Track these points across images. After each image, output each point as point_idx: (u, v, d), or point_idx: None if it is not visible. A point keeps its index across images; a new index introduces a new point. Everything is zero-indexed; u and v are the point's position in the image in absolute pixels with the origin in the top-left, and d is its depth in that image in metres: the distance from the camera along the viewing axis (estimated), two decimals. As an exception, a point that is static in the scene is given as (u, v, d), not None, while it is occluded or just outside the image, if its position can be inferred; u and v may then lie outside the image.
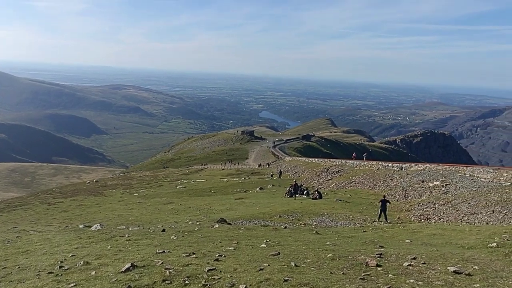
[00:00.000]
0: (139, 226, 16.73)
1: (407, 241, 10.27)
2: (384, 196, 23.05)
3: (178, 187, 55.70)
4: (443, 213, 20.88)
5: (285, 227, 13.36)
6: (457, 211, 20.32)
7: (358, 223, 19.62)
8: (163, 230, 13.14)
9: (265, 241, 10.47)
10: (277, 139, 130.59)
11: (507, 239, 9.36)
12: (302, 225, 19.49)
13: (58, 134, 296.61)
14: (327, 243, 10.01)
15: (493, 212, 18.17)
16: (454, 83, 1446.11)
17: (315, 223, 19.97)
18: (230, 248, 9.37)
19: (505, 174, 23.04)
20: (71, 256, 8.82)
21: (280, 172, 59.66)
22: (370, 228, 13.28)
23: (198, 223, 14.47)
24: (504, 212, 17.60)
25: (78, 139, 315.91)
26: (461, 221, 18.45)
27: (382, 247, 9.16)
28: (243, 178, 61.00)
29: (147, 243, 10.38)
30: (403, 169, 36.90)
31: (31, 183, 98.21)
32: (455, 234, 10.87)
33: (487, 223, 16.79)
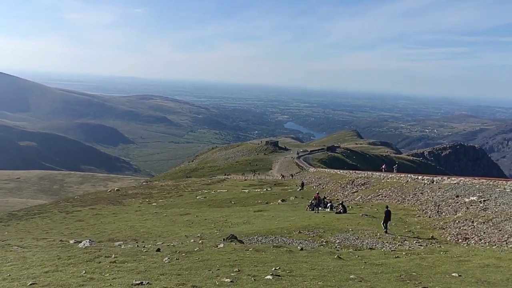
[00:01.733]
0: (137, 242, 15.15)
1: (454, 274, 8.20)
2: (387, 207, 23.18)
3: (198, 197, 54.53)
4: (484, 232, 18.54)
5: (301, 249, 11.47)
6: (500, 230, 17.96)
7: (387, 242, 17.55)
8: (158, 250, 11.51)
9: (273, 269, 8.73)
10: (301, 150, 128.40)
11: None
12: (324, 243, 17.58)
13: (87, 143, 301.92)
14: (351, 276, 8.11)
15: (544, 233, 15.86)
16: (484, 95, 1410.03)
17: (338, 241, 18.01)
18: (226, 280, 7.69)
19: (553, 190, 20.53)
20: (30, 285, 7.29)
21: (303, 184, 57.52)
22: (404, 253, 11.23)
23: (201, 241, 12.77)
24: (559, 234, 15.28)
25: (106, 148, 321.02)
26: (506, 242, 16.12)
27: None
28: (265, 189, 59.33)
29: (130, 267, 8.82)
30: (435, 182, 34.38)
31: (59, 190, 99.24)
32: None
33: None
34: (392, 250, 11.85)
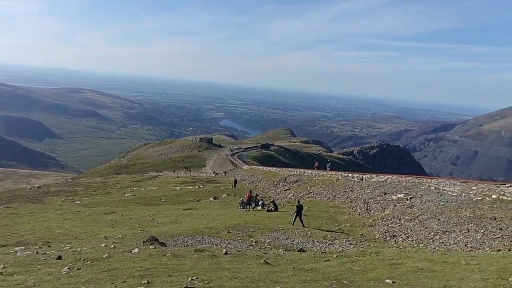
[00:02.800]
0: (40, 247, 13.40)
1: (388, 281, 7.58)
2: (299, 201, 24.62)
3: (126, 195, 52.21)
4: (411, 230, 18.70)
5: (226, 253, 10.50)
6: (426, 228, 18.18)
7: (317, 241, 17.11)
8: (59, 258, 9.98)
9: (189, 279, 7.65)
10: (235, 147, 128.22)
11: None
12: (253, 243, 16.79)
13: (8, 137, 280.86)
14: (277, 287, 7.26)
15: (468, 231, 16.09)
16: (409, 97, 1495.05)
17: (268, 241, 17.30)
18: (128, 298, 6.56)
19: (474, 188, 21.24)
20: None
21: (235, 181, 56.91)
22: (334, 256, 10.63)
23: (113, 245, 11.35)
24: (482, 231, 15.52)
25: (30, 142, 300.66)
26: (432, 240, 16.26)
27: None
28: (197, 187, 58.17)
29: (17, 281, 7.41)
30: (364, 180, 35.01)
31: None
32: (450, 270, 8.33)
33: (465, 245, 14.62)
34: (322, 252, 11.26)
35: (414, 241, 16.99)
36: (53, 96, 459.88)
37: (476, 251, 13.45)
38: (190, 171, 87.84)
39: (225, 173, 76.23)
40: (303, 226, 21.71)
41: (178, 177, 76.07)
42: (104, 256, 9.74)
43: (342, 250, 15.05)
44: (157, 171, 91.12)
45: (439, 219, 18.58)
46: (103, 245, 11.53)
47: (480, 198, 19.74)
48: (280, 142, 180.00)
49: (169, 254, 9.91)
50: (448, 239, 16.00)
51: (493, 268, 7.76)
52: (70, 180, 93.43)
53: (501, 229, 15.28)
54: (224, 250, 11.04)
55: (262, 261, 9.54)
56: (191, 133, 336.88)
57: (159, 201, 44.06)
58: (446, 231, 16.91)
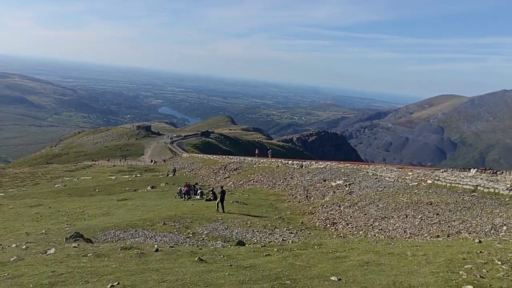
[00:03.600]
0: None
1: (333, 278, 6.99)
2: (222, 187, 24.62)
3: (56, 185, 49.35)
4: (351, 216, 18.65)
5: (157, 250, 9.48)
6: (365, 214, 18.19)
7: (257, 231, 16.52)
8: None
9: (109, 285, 6.67)
10: (175, 135, 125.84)
11: (478, 273, 6.67)
12: (190, 235, 15.89)
13: None
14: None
15: (406, 216, 16.22)
16: (345, 86, 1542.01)
17: (206, 232, 16.46)
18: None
19: (410, 173, 21.65)
20: None
21: (174, 170, 55.54)
22: (275, 250, 9.99)
23: (25, 246, 9.97)
24: (419, 217, 15.64)
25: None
26: (372, 227, 16.22)
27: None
28: (134, 176, 56.25)
29: None
30: (304, 167, 35.07)
31: None
32: (397, 263, 7.92)
33: (404, 231, 14.62)
34: (262, 246, 10.64)
35: (354, 228, 16.90)
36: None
37: (416, 237, 13.47)
38: (126, 160, 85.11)
39: (164, 161, 74.44)
40: (223, 211, 21.75)
41: (114, 166, 73.50)
42: (12, 259, 8.40)
43: (282, 240, 14.60)
44: (92, 160, 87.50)
45: (378, 205, 18.68)
46: (13, 245, 10.13)
47: (416, 183, 20.12)
48: (221, 129, 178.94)
49: (90, 254, 8.75)
50: (387, 225, 16.02)
51: (441, 260, 7.45)
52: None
53: (437, 214, 15.51)
54: (155, 246, 10.04)
55: (196, 259, 8.67)
56: (129, 120, 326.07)
57: (92, 191, 41.96)
58: (385, 217, 16.97)
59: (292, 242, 13.28)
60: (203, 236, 15.83)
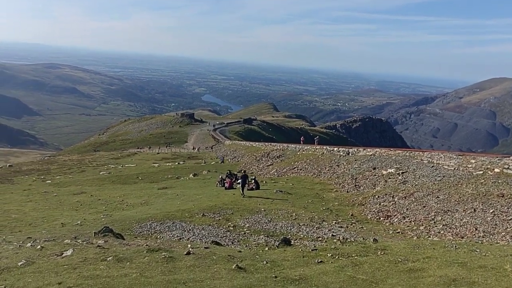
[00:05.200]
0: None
1: None
2: (244, 171, 26.29)
3: (101, 173, 49.97)
4: (407, 209, 16.84)
5: (188, 253, 8.22)
6: (424, 207, 16.33)
7: (303, 225, 15.11)
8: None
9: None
10: (218, 122, 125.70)
11: None
12: (231, 228, 14.73)
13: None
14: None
15: (474, 210, 14.27)
16: (389, 71, 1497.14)
17: (247, 225, 15.22)
18: None
19: (472, 161, 19.41)
20: None
21: (223, 158, 55.36)
22: (329, 255, 8.48)
23: (40, 246, 8.88)
24: (491, 211, 13.69)
25: (7, 120, 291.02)
26: (434, 222, 14.41)
27: None
28: (177, 163, 56.20)
29: None
30: (351, 154, 33.18)
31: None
32: (495, 282, 6.31)
33: (475, 228, 12.72)
34: (312, 250, 9.20)
35: (413, 223, 15.14)
36: (29, 72, 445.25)
37: (491, 236, 11.64)
38: (170, 147, 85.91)
39: (208, 148, 74.28)
40: (242, 195, 22.51)
41: (158, 153, 74.04)
42: (20, 263, 7.44)
43: (332, 236, 13.15)
44: (137, 148, 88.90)
45: (438, 197, 16.74)
46: (28, 244, 9.26)
47: (481, 172, 17.91)
48: (263, 116, 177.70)
49: (111, 257, 7.63)
50: (452, 220, 14.14)
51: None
52: (46, 158, 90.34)
53: (513, 208, 13.51)
54: (188, 247, 8.80)
55: (234, 266, 7.36)
56: (173, 108, 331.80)
57: (135, 179, 41.91)
58: (448, 210, 15.08)
59: (344, 240, 11.86)
60: (245, 229, 14.63)
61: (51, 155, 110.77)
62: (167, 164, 55.88)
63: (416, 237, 13.23)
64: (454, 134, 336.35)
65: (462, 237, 11.89)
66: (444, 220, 14.42)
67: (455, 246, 8.49)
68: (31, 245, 9.31)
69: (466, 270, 6.53)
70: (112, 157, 71.18)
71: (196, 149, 76.49)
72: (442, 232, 13.17)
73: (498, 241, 10.83)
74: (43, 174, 51.40)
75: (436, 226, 13.97)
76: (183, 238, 13.36)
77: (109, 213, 18.72)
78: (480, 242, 10.64)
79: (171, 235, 13.62)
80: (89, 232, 12.69)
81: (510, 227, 12.11)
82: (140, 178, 42.13)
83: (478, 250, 7.82)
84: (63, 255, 8.02)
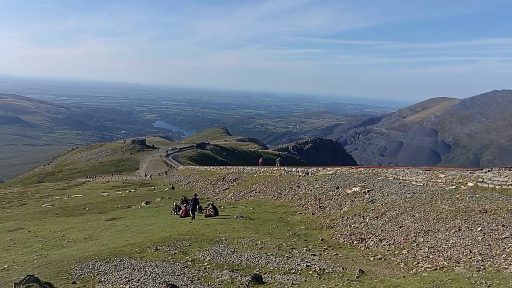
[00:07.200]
0: None
1: None
2: (196, 195, 25.68)
3: (44, 205, 46.36)
4: (382, 230, 15.45)
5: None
6: (400, 227, 15.01)
7: (272, 255, 13.35)
8: None
9: None
10: (170, 148, 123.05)
11: None
12: (189, 263, 12.73)
13: None
14: None
15: (459, 229, 13.02)
16: (338, 93, 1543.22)
17: (208, 258, 13.26)
18: None
19: (442, 176, 18.54)
20: None
21: (173, 187, 52.87)
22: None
23: None
24: (479, 229, 12.47)
25: None
26: (416, 245, 13.03)
27: None
28: (128, 191, 53.45)
29: None
30: (310, 174, 32.02)
31: None
32: None
33: (470, 251, 11.29)
34: (292, 285, 7.48)
35: (392, 246, 13.70)
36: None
37: (491, 259, 10.32)
38: (121, 174, 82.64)
39: (166, 173, 71.84)
40: (192, 218, 22.58)
41: (108, 182, 70.67)
42: None
43: (306, 266, 11.46)
44: (86, 177, 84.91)
45: (413, 215, 15.51)
46: None
47: (454, 187, 16.97)
48: (216, 141, 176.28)
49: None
50: (437, 241, 12.77)
51: None
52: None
53: (503, 225, 12.38)
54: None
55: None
56: (124, 136, 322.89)
57: (81, 210, 38.75)
58: (429, 230, 13.79)
59: (321, 271, 10.24)
60: (205, 263, 12.64)
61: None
62: (117, 192, 53.01)
63: (403, 263, 11.80)
64: (401, 152, 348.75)
65: (458, 262, 10.53)
66: (427, 242, 13.04)
67: (473, 281, 6.91)
68: None
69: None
70: (58, 188, 67.33)
71: (149, 176, 73.69)
72: (431, 256, 11.78)
73: (506, 266, 9.50)
74: (-22, 210, 47.08)
75: (421, 249, 12.55)
76: (132, 279, 11.21)
77: (46, 252, 16.10)
78: (482, 267, 9.35)
79: (117, 277, 11.42)
80: (15, 279, 10.34)
81: (509, 247, 10.88)
82: (87, 209, 39.07)
83: (490, 275, 6.34)
84: None
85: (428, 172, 19.70)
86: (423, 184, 18.81)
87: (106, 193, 52.59)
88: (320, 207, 22.37)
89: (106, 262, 12.84)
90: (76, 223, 27.21)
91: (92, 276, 11.54)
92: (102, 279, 11.36)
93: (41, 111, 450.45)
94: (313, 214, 21.50)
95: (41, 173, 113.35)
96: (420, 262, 11.57)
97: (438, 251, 12.08)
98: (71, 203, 45.54)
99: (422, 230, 14.05)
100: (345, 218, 18.47)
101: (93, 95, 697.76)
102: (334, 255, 13.51)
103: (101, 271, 11.99)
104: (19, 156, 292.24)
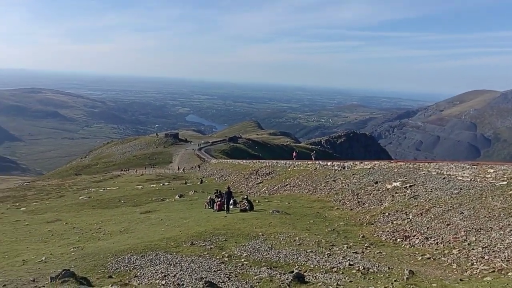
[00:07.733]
0: None
1: None
2: (229, 187, 25.84)
3: (81, 197, 47.36)
4: (427, 228, 14.60)
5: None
6: (448, 225, 14.12)
7: (311, 252, 12.82)
8: None
9: None
10: (202, 142, 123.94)
11: None
12: (226, 259, 12.34)
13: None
14: None
15: (516, 227, 12.14)
16: (372, 86, 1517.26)
17: (245, 254, 12.85)
18: None
19: (491, 170, 17.41)
20: None
21: (201, 180, 52.88)
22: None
23: None
24: (539, 228, 11.58)
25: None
26: (468, 244, 12.12)
27: None
28: (161, 184, 53.91)
29: None
30: (346, 168, 31.09)
31: None
32: None
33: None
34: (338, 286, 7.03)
35: (441, 245, 12.88)
36: (10, 97, 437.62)
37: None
38: (154, 168, 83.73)
39: (199, 167, 72.19)
40: (227, 213, 22.70)
41: (142, 175, 71.65)
42: None
43: (349, 265, 10.88)
44: (121, 170, 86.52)
45: (462, 213, 14.58)
46: None
47: (505, 182, 15.86)
48: (248, 135, 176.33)
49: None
50: (491, 241, 11.89)
51: None
52: (25, 184, 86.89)
53: None
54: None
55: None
56: (157, 129, 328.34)
57: (117, 203, 39.34)
58: (480, 229, 12.88)
59: (366, 270, 9.62)
60: (242, 260, 12.24)
61: (31, 180, 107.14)
62: (151, 185, 53.56)
63: (455, 264, 11.02)
64: (437, 146, 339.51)
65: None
66: (480, 241, 12.15)
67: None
68: None
69: None
70: (94, 180, 68.80)
71: (182, 169, 74.19)
72: (486, 257, 10.92)
73: None
74: (19, 201, 48.80)
75: (473, 249, 11.69)
76: (168, 274, 10.93)
77: (82, 244, 16.12)
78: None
79: (153, 271, 11.19)
80: (52, 272, 10.24)
81: None
82: (122, 201, 39.63)
83: None
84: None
85: (475, 166, 18.57)
86: (470, 180, 17.72)
87: (141, 186, 53.19)
88: (358, 202, 21.58)
89: (141, 256, 12.65)
90: (112, 215, 27.46)
91: (128, 270, 11.35)
92: (138, 273, 11.14)
93: (78, 105, 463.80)
94: (351, 209, 20.74)
95: (78, 166, 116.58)
96: (475, 263, 10.75)
97: (494, 251, 11.20)
98: (106, 196, 46.31)
99: (473, 228, 13.13)
100: (386, 214, 17.65)
101: (128, 90, 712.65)
102: (377, 253, 12.82)
103: (136, 265, 11.79)
104: (58, 149, 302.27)
